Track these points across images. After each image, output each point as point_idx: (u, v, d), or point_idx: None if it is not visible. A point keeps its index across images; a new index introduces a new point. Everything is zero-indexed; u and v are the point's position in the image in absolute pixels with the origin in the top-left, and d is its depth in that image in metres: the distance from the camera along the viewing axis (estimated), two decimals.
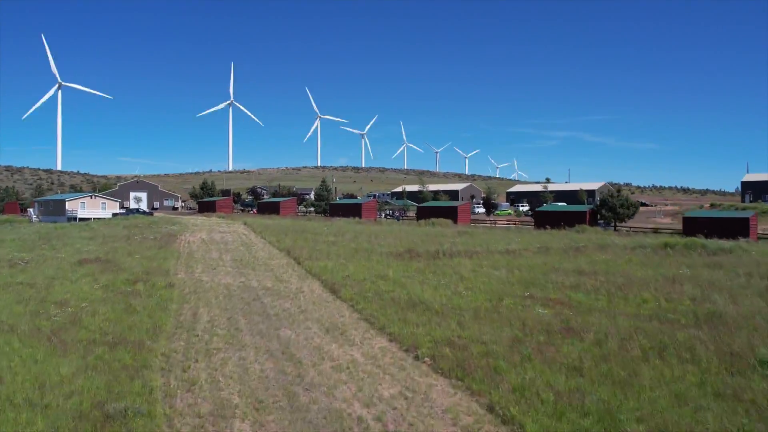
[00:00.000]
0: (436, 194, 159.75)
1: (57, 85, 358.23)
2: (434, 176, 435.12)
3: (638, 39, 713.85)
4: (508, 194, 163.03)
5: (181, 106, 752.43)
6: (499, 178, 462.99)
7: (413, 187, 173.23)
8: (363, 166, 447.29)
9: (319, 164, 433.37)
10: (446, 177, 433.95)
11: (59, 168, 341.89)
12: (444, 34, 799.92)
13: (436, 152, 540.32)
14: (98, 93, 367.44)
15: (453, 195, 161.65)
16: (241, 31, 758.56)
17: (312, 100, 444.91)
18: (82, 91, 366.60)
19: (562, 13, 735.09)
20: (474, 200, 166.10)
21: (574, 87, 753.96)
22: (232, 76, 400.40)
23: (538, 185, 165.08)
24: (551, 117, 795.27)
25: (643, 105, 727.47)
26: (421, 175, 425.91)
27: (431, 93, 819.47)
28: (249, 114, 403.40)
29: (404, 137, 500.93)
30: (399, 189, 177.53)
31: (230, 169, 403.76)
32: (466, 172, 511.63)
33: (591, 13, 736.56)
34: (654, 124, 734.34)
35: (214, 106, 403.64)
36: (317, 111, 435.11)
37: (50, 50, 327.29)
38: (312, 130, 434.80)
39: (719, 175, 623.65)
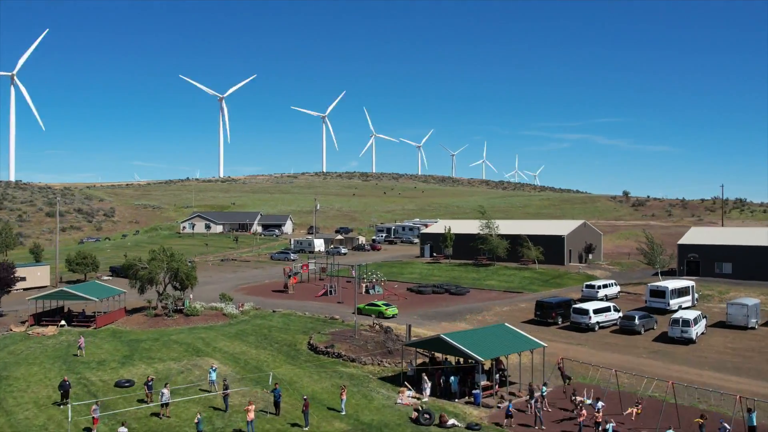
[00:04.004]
0: (516, 243, 74.86)
1: (9, 77, 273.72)
2: (457, 183, 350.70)
3: (648, 41, 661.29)
4: (683, 249, 70.22)
5: (175, 106, 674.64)
6: (531, 185, 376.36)
7: (464, 224, 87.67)
8: (374, 171, 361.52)
9: (324, 169, 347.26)
10: (471, 184, 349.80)
11: (12, 178, 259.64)
12: (448, 35, 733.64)
13: (452, 155, 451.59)
14: (36, 114, 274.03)
15: (552, 244, 76.02)
16: (242, 29, 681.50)
17: (337, 100, 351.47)
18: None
19: (570, 14, 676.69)
20: (589, 250, 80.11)
21: (585, 89, 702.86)
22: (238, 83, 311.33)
23: None
24: (563, 119, 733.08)
25: (656, 107, 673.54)
26: (442, 183, 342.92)
27: (440, 96, 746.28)
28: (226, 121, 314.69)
29: (422, 140, 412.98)
30: (438, 227, 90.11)
31: (221, 175, 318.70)
32: (483, 177, 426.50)
33: (599, 15, 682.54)
34: (667, 126, 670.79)
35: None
36: (324, 112, 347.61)
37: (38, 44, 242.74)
38: (324, 133, 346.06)
39: (739, 180, 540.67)
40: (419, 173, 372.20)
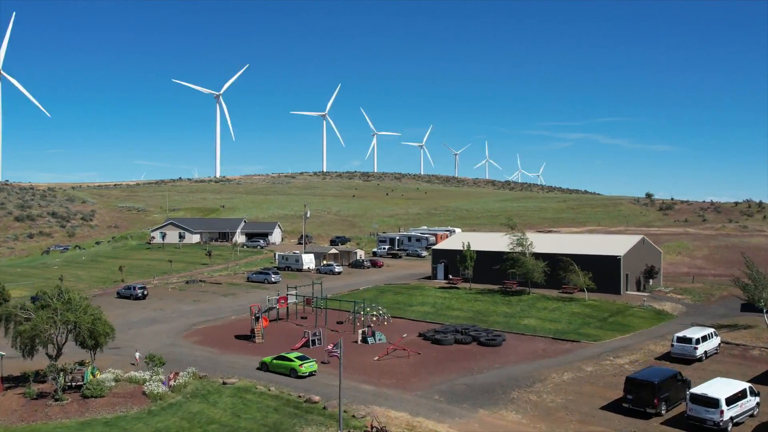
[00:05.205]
0: (555, 265, 56.88)
1: None
2: (462, 183, 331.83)
3: (649, 40, 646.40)
4: None
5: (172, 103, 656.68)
6: (537, 185, 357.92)
7: (485, 239, 69.22)
8: (375, 170, 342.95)
9: (324, 169, 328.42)
10: (476, 185, 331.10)
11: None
12: (450, 34, 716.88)
13: (456, 154, 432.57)
14: (38, 105, 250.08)
15: (602, 266, 57.49)
16: (236, 27, 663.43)
17: (335, 95, 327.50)
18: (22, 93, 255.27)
19: (570, 14, 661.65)
20: (650, 274, 61.83)
21: (587, 88, 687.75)
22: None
23: None
24: (564, 119, 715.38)
25: (658, 106, 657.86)
26: (446, 183, 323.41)
27: (442, 94, 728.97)
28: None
29: (424, 138, 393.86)
30: (454, 243, 70.97)
31: (217, 175, 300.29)
32: (486, 176, 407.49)
33: (599, 15, 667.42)
34: (669, 125, 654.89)
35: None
36: (326, 108, 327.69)
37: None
38: (324, 131, 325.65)
39: (740, 180, 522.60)
40: (422, 173, 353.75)
